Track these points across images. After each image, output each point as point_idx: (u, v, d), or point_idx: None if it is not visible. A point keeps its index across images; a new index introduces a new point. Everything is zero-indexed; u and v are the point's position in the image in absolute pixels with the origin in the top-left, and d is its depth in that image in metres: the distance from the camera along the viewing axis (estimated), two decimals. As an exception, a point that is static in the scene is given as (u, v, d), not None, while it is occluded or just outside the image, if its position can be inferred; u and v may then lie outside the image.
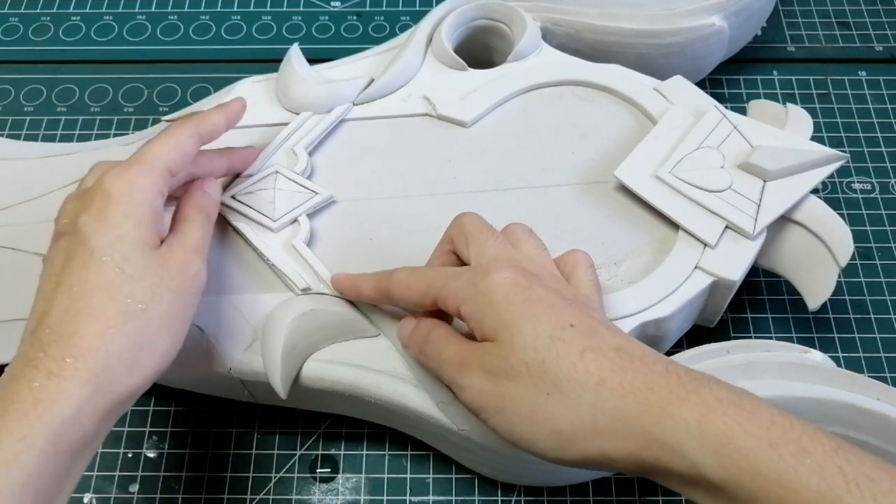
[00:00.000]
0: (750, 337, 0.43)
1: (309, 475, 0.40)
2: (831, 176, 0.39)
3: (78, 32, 0.57)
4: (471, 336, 0.31)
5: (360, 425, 0.41)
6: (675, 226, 0.38)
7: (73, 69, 0.55)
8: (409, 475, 0.40)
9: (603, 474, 0.39)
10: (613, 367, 0.27)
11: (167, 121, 0.43)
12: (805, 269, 0.39)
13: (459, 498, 0.39)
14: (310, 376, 0.36)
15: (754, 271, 0.40)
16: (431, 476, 0.40)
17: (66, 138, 0.52)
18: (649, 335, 0.36)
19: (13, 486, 0.26)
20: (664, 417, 0.26)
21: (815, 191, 0.39)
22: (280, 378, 0.35)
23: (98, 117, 0.53)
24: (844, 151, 0.43)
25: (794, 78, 0.53)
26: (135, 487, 0.40)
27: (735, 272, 0.37)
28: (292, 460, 0.41)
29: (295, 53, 0.44)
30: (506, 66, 0.44)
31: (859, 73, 0.53)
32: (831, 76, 0.53)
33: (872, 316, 0.44)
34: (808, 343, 0.41)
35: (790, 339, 0.43)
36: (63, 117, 0.53)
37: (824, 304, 0.38)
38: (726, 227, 0.37)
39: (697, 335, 0.41)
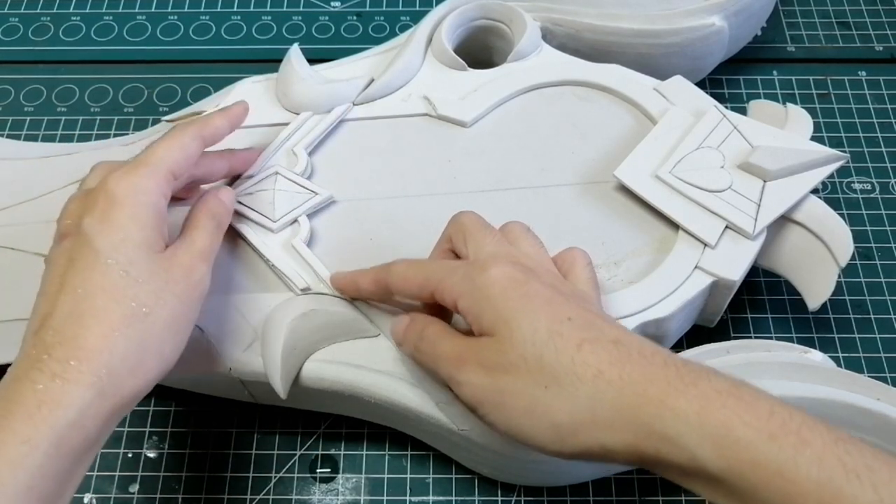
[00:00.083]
0: (750, 337, 0.43)
1: (309, 475, 0.40)
2: (831, 176, 0.39)
3: (78, 32, 0.57)
4: (467, 332, 0.31)
5: (360, 425, 0.41)
6: (675, 226, 0.38)
7: (73, 69, 0.55)
8: (409, 475, 0.40)
9: (603, 474, 0.39)
10: (612, 360, 0.27)
11: (167, 121, 0.43)
12: (805, 269, 0.39)
13: (459, 498, 0.39)
14: (310, 376, 0.36)
15: (754, 271, 0.40)
16: (431, 476, 0.40)
17: (66, 138, 0.52)
18: (649, 335, 0.36)
19: (18, 488, 0.26)
20: (663, 409, 0.26)
21: (815, 191, 0.39)
22: (280, 378, 0.35)
23: (98, 117, 0.53)
24: (844, 151, 0.43)
25: (794, 78, 0.53)
26: (135, 487, 0.40)
27: (735, 272, 0.37)
28: (292, 460, 0.41)
29: (295, 53, 0.44)
30: (506, 66, 0.44)
31: (859, 73, 0.53)
32: (831, 76, 0.53)
33: (872, 316, 0.44)
34: (808, 343, 0.41)
35: (790, 339, 0.43)
36: (63, 117, 0.53)
37: (824, 304, 0.38)
38: (726, 227, 0.37)
39: (697, 335, 0.41)
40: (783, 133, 0.40)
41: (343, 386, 0.36)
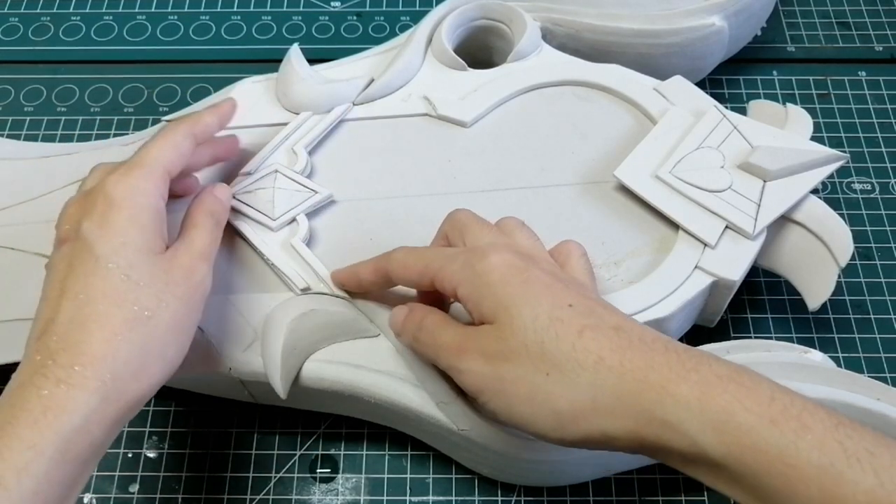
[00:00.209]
0: (750, 337, 0.43)
1: (309, 475, 0.40)
2: (831, 176, 0.39)
3: (78, 32, 0.57)
4: (466, 324, 0.31)
5: (360, 425, 0.41)
6: (675, 226, 0.38)
7: (73, 69, 0.55)
8: (409, 475, 0.40)
9: (603, 474, 0.39)
10: (612, 346, 0.27)
11: (167, 121, 0.43)
12: (805, 269, 0.39)
13: (459, 498, 0.39)
14: (310, 376, 0.36)
15: (754, 271, 0.40)
16: (431, 476, 0.40)
17: (66, 138, 0.52)
18: (649, 335, 0.36)
19: (23, 494, 0.26)
20: (664, 395, 0.26)
21: (815, 191, 0.39)
22: (280, 378, 0.35)
23: (98, 117, 0.53)
24: (844, 151, 0.43)
25: (794, 78, 0.53)
26: (135, 487, 0.40)
27: (735, 272, 0.37)
28: (292, 460, 0.41)
29: (295, 53, 0.44)
30: (506, 66, 0.44)
31: (859, 73, 0.53)
32: (831, 76, 0.53)
33: (872, 316, 0.44)
34: (808, 343, 0.41)
35: (790, 339, 0.43)
36: (63, 117, 0.53)
37: (824, 304, 0.38)
38: (726, 227, 0.37)
39: (697, 335, 0.41)
40: (783, 133, 0.40)
41: (343, 386, 0.36)
